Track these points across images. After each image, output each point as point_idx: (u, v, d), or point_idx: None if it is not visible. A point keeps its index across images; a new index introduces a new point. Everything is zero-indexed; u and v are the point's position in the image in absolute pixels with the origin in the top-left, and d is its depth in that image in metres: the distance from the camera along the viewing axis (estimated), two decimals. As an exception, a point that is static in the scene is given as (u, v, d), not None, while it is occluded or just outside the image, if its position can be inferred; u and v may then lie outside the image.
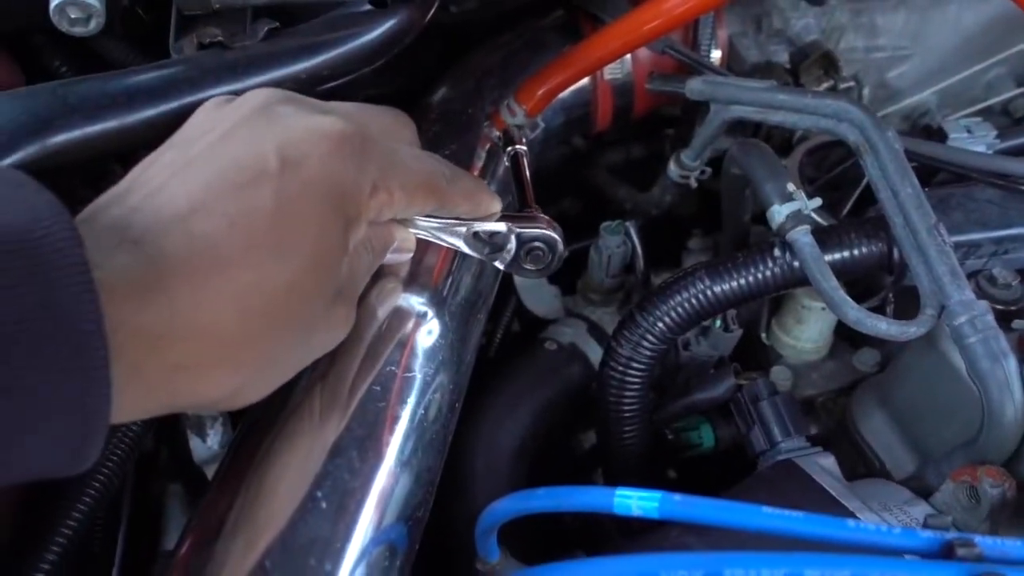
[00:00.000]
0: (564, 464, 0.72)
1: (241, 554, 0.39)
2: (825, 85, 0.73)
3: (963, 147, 0.65)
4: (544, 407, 0.67)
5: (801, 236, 0.54)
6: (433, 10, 0.56)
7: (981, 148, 0.66)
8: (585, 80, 0.75)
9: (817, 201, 0.55)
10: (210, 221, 0.33)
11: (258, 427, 0.45)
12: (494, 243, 0.45)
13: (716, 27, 0.76)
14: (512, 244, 0.45)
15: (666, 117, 0.85)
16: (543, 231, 0.46)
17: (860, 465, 0.61)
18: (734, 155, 0.61)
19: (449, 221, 0.44)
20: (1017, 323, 0.52)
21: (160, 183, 0.34)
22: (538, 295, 0.76)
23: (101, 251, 0.30)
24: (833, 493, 0.51)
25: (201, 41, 0.48)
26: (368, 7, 0.52)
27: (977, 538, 0.35)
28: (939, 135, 0.66)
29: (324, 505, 0.42)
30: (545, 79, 0.63)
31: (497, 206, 0.45)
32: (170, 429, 0.68)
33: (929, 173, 0.66)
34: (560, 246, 0.46)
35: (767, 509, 0.36)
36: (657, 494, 0.37)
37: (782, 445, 0.56)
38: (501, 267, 0.46)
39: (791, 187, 0.55)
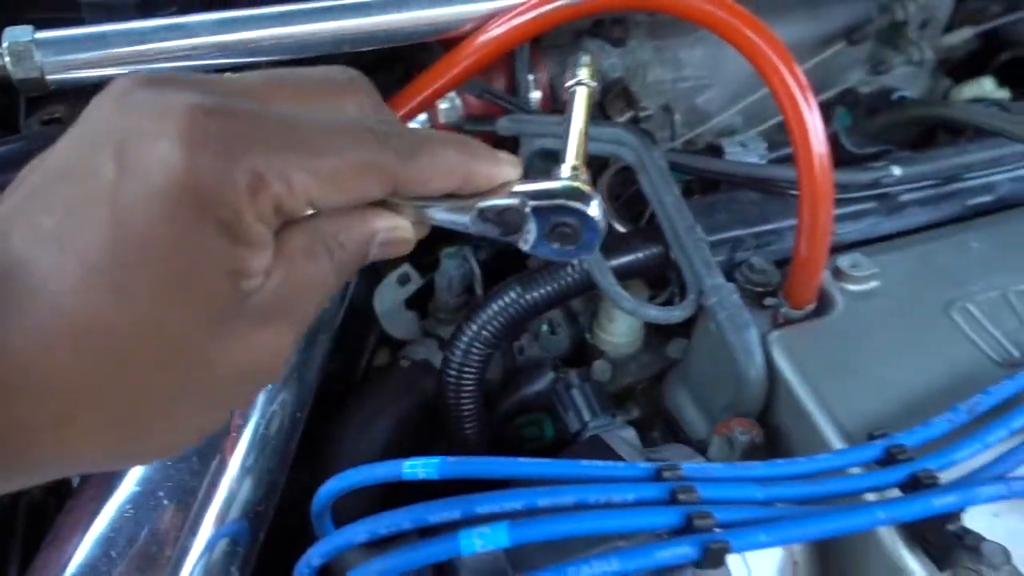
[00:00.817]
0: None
1: (89, 548, 0.46)
2: (627, 115, 0.83)
3: (737, 159, 0.76)
4: (401, 417, 0.75)
5: (584, 244, 0.63)
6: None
7: (754, 159, 0.77)
8: (426, 123, 0.85)
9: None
10: (41, 248, 0.27)
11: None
12: (506, 221, 0.35)
13: (536, 71, 0.86)
14: (531, 222, 0.35)
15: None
16: (565, 201, 0.34)
17: (670, 438, 0.70)
18: (536, 180, 0.71)
19: (441, 200, 0.35)
20: (769, 300, 0.63)
21: (15, 205, 0.29)
22: (397, 320, 0.84)
23: None
24: (627, 459, 0.60)
25: (42, 119, 0.56)
26: (193, 78, 0.60)
27: (683, 464, 0.44)
28: (717, 151, 0.77)
29: (166, 502, 0.49)
30: (372, 128, 0.72)
31: (507, 173, 0.35)
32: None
33: (713, 183, 0.77)
34: (592, 215, 0.34)
35: (523, 460, 0.45)
36: (436, 459, 0.45)
37: (591, 424, 0.65)
38: (526, 249, 0.36)
39: (576, 203, 0.65)
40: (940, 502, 0.44)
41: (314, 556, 0.45)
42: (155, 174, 0.27)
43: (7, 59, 0.52)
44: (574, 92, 0.42)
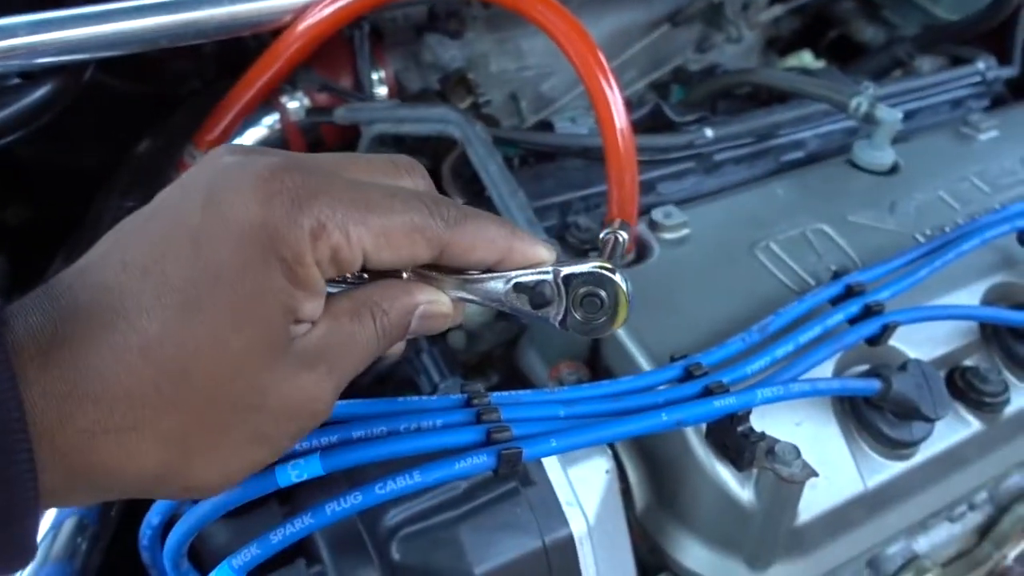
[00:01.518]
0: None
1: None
2: (469, 101, 0.88)
3: (568, 133, 0.82)
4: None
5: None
6: (89, 73, 0.66)
7: (584, 132, 0.83)
8: (277, 123, 0.87)
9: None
10: (126, 271, 0.31)
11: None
12: (539, 294, 0.39)
13: (380, 68, 0.90)
14: (562, 292, 0.39)
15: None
16: (596, 268, 0.38)
17: (523, 395, 0.75)
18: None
19: (480, 275, 0.38)
20: (593, 255, 0.68)
21: (109, 244, 0.33)
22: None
23: (21, 311, 0.30)
24: (471, 410, 0.64)
25: None
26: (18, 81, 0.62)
27: (492, 394, 0.48)
28: (547, 126, 0.83)
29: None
30: (213, 125, 0.75)
31: (542, 254, 0.39)
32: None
33: (549, 155, 0.82)
34: (617, 287, 0.39)
35: (343, 402, 0.48)
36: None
37: (441, 385, 0.69)
38: (556, 324, 0.39)
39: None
40: (720, 404, 0.50)
41: (153, 515, 0.47)
42: (233, 215, 0.32)
43: None
44: (609, 238, 0.46)
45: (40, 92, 0.61)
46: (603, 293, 0.39)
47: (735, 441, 0.53)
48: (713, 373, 0.54)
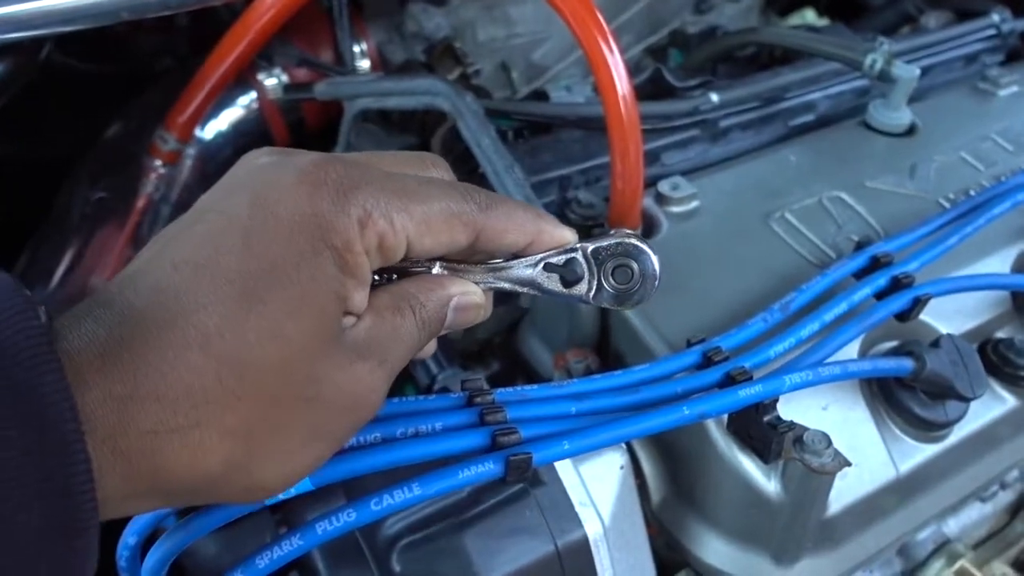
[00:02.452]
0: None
1: None
2: (457, 71, 0.83)
3: (564, 102, 0.77)
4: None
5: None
6: (46, 52, 0.61)
7: (580, 101, 0.78)
8: (254, 103, 0.82)
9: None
10: (177, 271, 0.31)
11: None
12: (570, 271, 0.39)
13: (361, 41, 0.85)
14: (592, 266, 0.39)
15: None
16: (620, 240, 0.39)
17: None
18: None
19: (507, 262, 0.39)
20: (597, 232, 0.63)
21: (154, 250, 0.33)
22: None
23: (72, 321, 0.30)
24: (472, 402, 0.60)
25: None
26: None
27: (496, 391, 0.44)
28: (542, 96, 0.78)
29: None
30: (184, 106, 0.70)
31: (568, 236, 0.40)
32: None
33: (545, 127, 0.77)
34: (648, 256, 0.39)
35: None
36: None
37: (439, 376, 0.65)
38: (589, 300, 0.39)
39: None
40: (745, 393, 0.45)
41: (130, 535, 0.43)
42: (282, 208, 0.32)
43: None
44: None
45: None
46: (633, 263, 0.39)
47: (761, 431, 0.49)
48: (734, 358, 0.50)
